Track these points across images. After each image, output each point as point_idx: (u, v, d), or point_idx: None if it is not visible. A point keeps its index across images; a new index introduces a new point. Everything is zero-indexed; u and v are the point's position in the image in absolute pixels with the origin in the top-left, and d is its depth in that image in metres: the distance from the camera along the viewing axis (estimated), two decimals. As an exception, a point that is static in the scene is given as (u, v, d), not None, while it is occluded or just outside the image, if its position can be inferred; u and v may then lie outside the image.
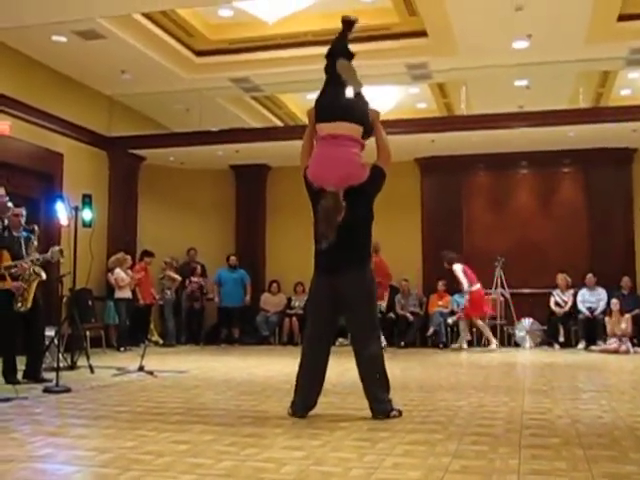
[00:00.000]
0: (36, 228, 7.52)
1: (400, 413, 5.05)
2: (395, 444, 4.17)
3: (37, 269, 7.29)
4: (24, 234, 7.43)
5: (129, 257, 12.40)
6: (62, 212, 8.00)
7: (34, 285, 7.26)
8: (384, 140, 5.35)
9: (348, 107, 5.22)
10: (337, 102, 5.21)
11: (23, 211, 7.48)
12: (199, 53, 11.96)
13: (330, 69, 5.30)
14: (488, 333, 12.21)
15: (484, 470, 3.53)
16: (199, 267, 13.88)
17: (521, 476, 3.40)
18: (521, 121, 12.02)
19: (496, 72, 12.04)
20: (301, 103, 14.12)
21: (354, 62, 5.35)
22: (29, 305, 7.21)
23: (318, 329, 5.14)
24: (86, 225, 8.27)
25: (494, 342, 12.10)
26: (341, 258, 4.98)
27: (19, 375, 7.21)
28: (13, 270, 7.04)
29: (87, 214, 8.28)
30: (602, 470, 3.51)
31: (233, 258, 13.62)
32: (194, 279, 13.64)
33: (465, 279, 12.04)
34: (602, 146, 12.72)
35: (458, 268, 12.08)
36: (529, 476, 3.40)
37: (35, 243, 7.44)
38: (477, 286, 12.04)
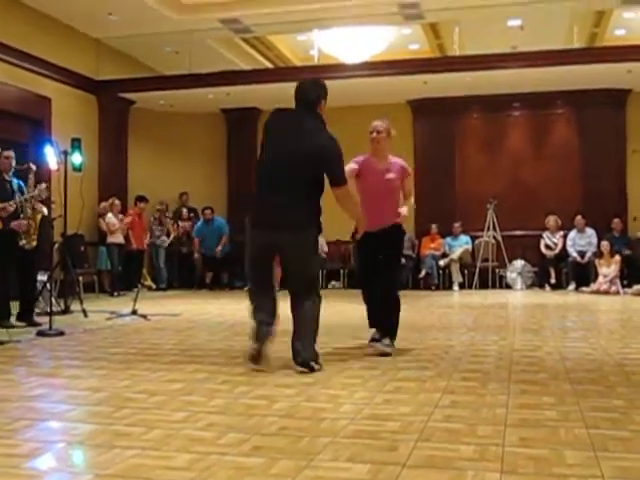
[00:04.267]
0: (32, 167, 7.46)
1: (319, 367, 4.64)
2: (386, 381, 4.22)
3: (38, 206, 7.29)
4: (15, 181, 7.37)
5: (119, 202, 12.33)
6: (51, 156, 7.95)
7: (38, 220, 7.30)
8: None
9: None
10: None
11: (12, 153, 7.40)
12: (187, -7, 11.76)
13: None
14: None
15: (473, 405, 3.58)
16: (185, 211, 13.88)
17: (510, 410, 3.45)
18: (514, 62, 11.87)
19: (489, 12, 11.87)
20: (291, 44, 13.93)
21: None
22: (34, 243, 7.23)
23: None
24: (76, 169, 8.21)
25: None
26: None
27: (12, 319, 7.25)
28: (1, 213, 7.01)
29: (77, 158, 8.22)
30: (590, 404, 3.57)
31: (207, 212, 13.47)
32: (181, 224, 13.66)
33: None
34: (596, 87, 12.61)
35: None
36: (518, 410, 3.45)
37: (33, 182, 7.39)
38: None
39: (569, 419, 3.28)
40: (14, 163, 7.36)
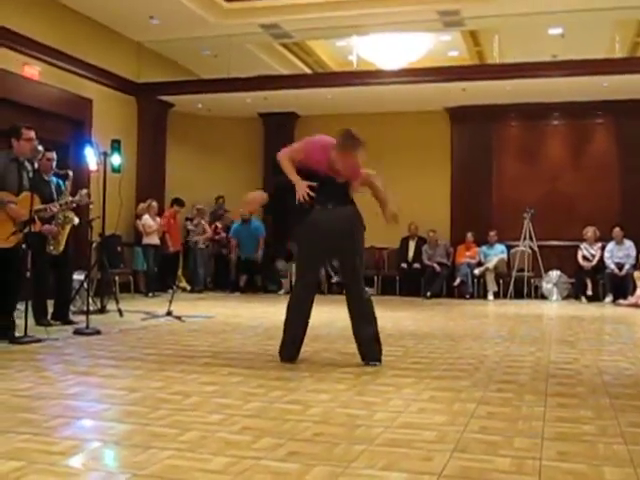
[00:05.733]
0: (70, 174, 7.53)
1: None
2: (420, 390, 4.19)
3: (70, 214, 7.36)
4: (54, 179, 7.46)
5: (156, 204, 12.43)
6: (91, 157, 8.05)
7: (67, 229, 7.37)
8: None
9: None
10: None
11: (54, 155, 7.49)
12: (228, -2, 11.85)
13: None
14: None
15: (510, 416, 3.54)
16: (225, 214, 13.95)
17: (547, 423, 3.40)
18: (554, 70, 11.76)
19: (530, 20, 11.77)
20: (330, 50, 13.95)
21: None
22: (61, 249, 7.31)
23: None
24: (115, 170, 8.31)
25: None
26: None
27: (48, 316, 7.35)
28: (42, 213, 7.09)
29: (116, 159, 8.32)
30: (628, 419, 3.50)
31: (245, 213, 13.47)
32: (219, 225, 13.71)
33: None
34: (637, 97, 12.43)
35: None
36: (555, 423, 3.41)
37: (68, 189, 7.46)
38: None
39: (607, 434, 3.23)
40: (54, 165, 7.45)
